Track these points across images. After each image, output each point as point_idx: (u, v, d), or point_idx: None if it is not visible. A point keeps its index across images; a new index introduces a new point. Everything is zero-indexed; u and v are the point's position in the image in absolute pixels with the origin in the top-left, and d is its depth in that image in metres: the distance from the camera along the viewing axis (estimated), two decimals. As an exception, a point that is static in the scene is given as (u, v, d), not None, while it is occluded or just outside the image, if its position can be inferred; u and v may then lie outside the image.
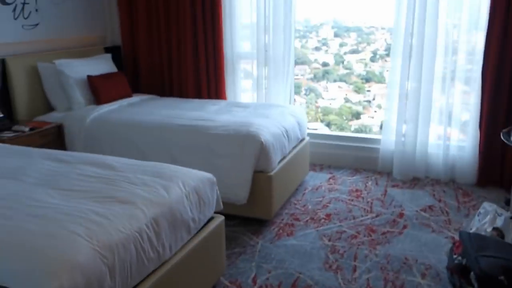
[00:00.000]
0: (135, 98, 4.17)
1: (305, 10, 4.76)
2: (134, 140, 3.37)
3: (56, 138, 3.55)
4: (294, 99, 4.56)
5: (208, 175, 2.46)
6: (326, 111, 5.11)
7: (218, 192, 2.54)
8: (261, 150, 3.07)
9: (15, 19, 3.80)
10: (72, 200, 1.99)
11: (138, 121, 3.46)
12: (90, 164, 2.44)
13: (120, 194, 2.05)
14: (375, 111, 5.06)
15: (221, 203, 2.60)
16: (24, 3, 3.86)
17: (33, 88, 3.81)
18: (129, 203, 1.98)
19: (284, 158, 3.44)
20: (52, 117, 3.70)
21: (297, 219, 3.34)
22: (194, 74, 4.49)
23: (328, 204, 3.59)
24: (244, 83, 4.57)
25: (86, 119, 3.56)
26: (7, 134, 3.23)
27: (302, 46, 5.13)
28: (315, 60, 5.12)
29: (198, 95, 4.50)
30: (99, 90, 3.87)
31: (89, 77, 3.86)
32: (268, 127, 3.27)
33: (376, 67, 5.00)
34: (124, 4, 4.59)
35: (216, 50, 4.38)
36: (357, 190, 3.86)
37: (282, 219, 3.34)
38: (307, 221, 3.31)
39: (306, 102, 5.15)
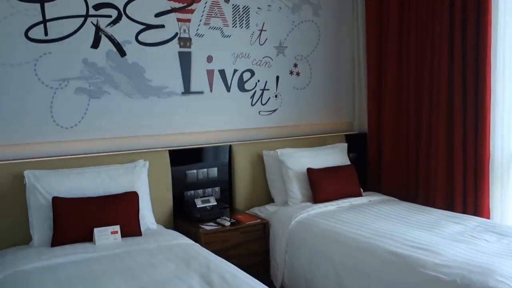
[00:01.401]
0: (363, 199, 3.45)
1: None
2: (332, 257, 2.68)
3: (259, 237, 3.17)
4: None
5: None
6: None
7: None
8: (502, 323, 1.88)
9: (252, 105, 3.76)
10: None
11: (341, 233, 2.75)
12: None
13: None
14: None
15: None
16: (263, 89, 3.80)
17: (257, 177, 3.62)
18: None
19: (557, 337, 2.07)
20: (265, 211, 3.38)
21: None
22: (446, 177, 3.44)
23: None
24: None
25: (291, 220, 3.08)
26: (208, 226, 3.05)
27: None
28: None
29: (450, 205, 3.39)
30: (317, 186, 3.36)
31: (309, 170, 3.41)
32: (524, 282, 2.03)
33: None
34: (373, 89, 4.03)
35: (478, 148, 3.25)
36: None
37: None
38: None
39: None
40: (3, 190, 2.66)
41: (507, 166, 3.20)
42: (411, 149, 3.74)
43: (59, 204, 2.53)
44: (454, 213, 3.15)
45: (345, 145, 3.88)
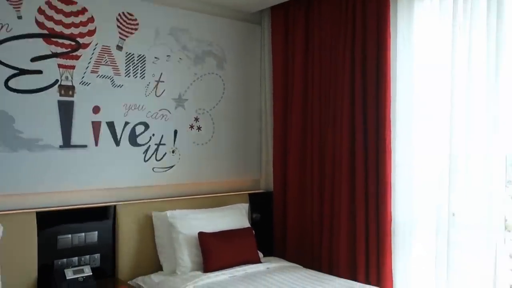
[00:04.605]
0: (260, 266, 3.15)
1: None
2: None
3: (138, 313, 2.77)
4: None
5: None
6: None
7: None
8: None
9: (145, 161, 3.43)
10: None
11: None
12: None
13: None
14: None
15: None
16: (159, 144, 3.49)
17: (145, 241, 3.23)
18: None
19: None
20: (149, 282, 3.00)
21: None
22: (348, 244, 3.24)
23: None
24: (422, 265, 3.03)
25: (174, 293, 2.71)
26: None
27: None
28: None
29: (353, 274, 3.18)
30: (208, 252, 3.03)
31: (200, 234, 3.08)
32: None
33: None
34: (278, 145, 3.84)
35: (379, 211, 3.10)
36: None
37: None
38: None
39: None
40: None
41: (409, 231, 3.05)
42: (315, 212, 3.53)
43: None
44: (356, 283, 2.92)
45: (246, 205, 3.61)
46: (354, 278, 3.11)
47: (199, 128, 3.72)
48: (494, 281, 2.65)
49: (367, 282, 3.06)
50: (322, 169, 3.50)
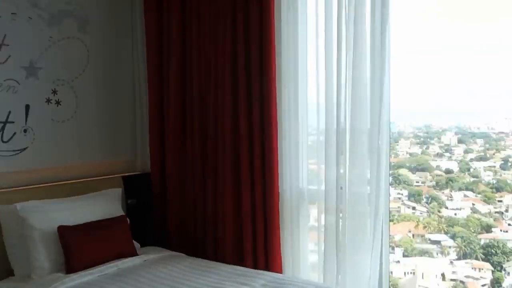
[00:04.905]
0: (136, 259, 2.74)
1: (424, 117, 4.69)
2: None
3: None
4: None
5: None
6: (450, 222, 4.65)
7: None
8: None
9: (-12, 143, 2.79)
10: None
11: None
12: None
13: None
14: (510, 225, 4.43)
15: None
16: (5, 122, 2.87)
17: (-11, 241, 2.64)
18: None
19: None
20: (-5, 292, 2.43)
21: None
22: (235, 227, 2.99)
23: None
24: (311, 241, 2.91)
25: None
26: None
27: (423, 152, 4.83)
28: (437, 166, 4.73)
29: (239, 258, 2.93)
30: (72, 249, 2.54)
31: (60, 228, 2.57)
32: None
33: (508, 176, 4.48)
34: (154, 119, 3.42)
35: (266, 189, 2.88)
36: None
37: None
38: None
39: (428, 211, 4.62)
40: None
41: (297, 205, 2.90)
42: (198, 193, 3.21)
43: None
44: (244, 268, 2.68)
45: (119, 190, 3.15)
46: (242, 263, 2.87)
47: (58, 103, 3.15)
48: (380, 259, 2.62)
49: (255, 266, 2.85)
50: (204, 146, 3.18)
